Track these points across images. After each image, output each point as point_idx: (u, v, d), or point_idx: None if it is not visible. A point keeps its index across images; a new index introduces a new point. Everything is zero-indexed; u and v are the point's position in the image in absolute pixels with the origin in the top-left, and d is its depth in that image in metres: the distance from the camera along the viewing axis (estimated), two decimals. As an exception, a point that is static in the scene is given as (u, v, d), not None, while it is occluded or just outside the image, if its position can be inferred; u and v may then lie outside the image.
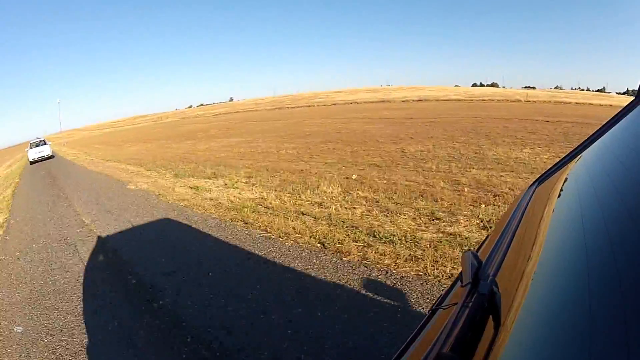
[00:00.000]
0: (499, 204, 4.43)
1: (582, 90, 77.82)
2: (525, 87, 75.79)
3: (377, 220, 4.21)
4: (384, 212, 4.51)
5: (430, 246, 3.33)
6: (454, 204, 4.58)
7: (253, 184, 6.60)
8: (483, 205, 4.43)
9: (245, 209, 4.93)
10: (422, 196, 5.00)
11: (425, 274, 2.82)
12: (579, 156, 1.03)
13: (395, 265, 3.02)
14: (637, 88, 0.98)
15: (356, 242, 3.59)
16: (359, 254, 3.31)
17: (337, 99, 55.17)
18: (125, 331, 2.51)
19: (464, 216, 4.13)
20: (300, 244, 3.64)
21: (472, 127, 13.15)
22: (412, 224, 4.08)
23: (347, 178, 6.47)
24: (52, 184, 9.92)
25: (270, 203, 5.22)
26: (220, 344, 2.27)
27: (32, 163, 18.45)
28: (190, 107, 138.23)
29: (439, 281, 2.70)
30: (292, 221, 4.34)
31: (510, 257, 0.72)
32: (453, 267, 2.86)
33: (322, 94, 76.54)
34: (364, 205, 4.81)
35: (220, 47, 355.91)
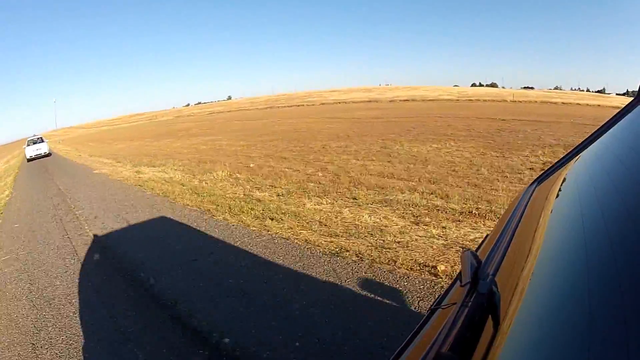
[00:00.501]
0: (331, 182, 6.15)
1: (582, 91, 77.78)
2: (524, 88, 75.97)
3: (218, 189, 6.41)
4: (234, 184, 6.64)
5: (224, 199, 5.57)
6: (292, 182, 6.33)
7: (177, 170, 9.07)
8: (311, 184, 6.10)
9: (151, 182, 7.69)
10: (279, 177, 6.79)
11: (196, 207, 5.33)
12: (579, 155, 1.03)
13: (181, 199, 5.81)
14: (637, 89, 0.97)
15: (180, 194, 6.18)
16: (175, 198, 6.00)
17: (330, 98, 55.45)
18: (55, 207, 6.53)
19: (281, 189, 5.90)
20: (155, 194, 6.47)
21: (416, 125, 14.57)
22: (238, 190, 6.15)
23: (246, 166, 8.44)
24: (44, 171, 12.85)
25: (171, 179, 7.80)
26: (88, 215, 5.65)
27: (29, 160, 18.48)
28: (187, 105, 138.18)
29: (201, 210, 5.17)
30: (167, 187, 6.99)
31: (509, 256, 0.71)
32: (219, 203, 5.33)
33: (316, 93, 76.22)
34: (228, 182, 6.94)
35: (220, 45, 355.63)
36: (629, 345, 0.31)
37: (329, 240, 3.63)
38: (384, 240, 3.53)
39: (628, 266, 0.40)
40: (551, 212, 0.78)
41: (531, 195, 1.05)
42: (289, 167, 7.91)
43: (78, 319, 2.72)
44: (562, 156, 1.17)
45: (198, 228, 4.40)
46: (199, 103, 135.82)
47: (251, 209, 4.91)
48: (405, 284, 2.72)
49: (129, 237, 4.46)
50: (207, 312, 2.61)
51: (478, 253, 0.76)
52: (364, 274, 2.91)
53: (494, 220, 4.15)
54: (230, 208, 5.02)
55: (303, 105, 48.54)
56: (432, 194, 5.05)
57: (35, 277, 3.61)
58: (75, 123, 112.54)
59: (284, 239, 3.77)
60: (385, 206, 4.64)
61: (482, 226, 3.82)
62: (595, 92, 73.64)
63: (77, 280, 3.39)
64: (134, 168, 10.11)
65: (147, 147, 16.86)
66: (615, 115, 1.02)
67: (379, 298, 2.58)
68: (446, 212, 4.35)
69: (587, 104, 28.00)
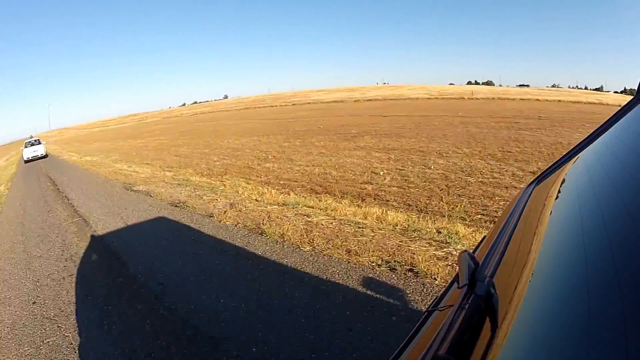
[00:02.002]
0: (142, 157, 14.17)
1: (580, 88, 78.75)
2: (520, 85, 78.50)
3: (99, 162, 13.72)
4: (111, 161, 13.42)
5: (93, 163, 13.46)
6: (135, 159, 13.40)
7: (99, 156, 15.63)
8: (136, 158, 13.80)
9: (81, 161, 15.16)
10: (133, 157, 14.12)
11: (78, 165, 14.07)
12: (577, 155, 1.02)
13: (80, 164, 14.10)
14: (636, 87, 0.96)
15: (81, 163, 14.28)
16: (79, 164, 14.30)
17: (312, 98, 58.54)
18: (35, 176, 13.02)
19: (122, 160, 13.52)
20: (75, 164, 14.61)
21: (297, 125, 20.61)
22: (105, 162, 13.15)
23: (132, 154, 15.50)
24: (36, 163, 19.32)
25: (90, 159, 14.88)
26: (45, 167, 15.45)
27: (26, 162, 18.78)
28: (184, 104, 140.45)
29: (80, 164, 14.14)
30: (83, 161, 14.70)
31: (507, 258, 0.71)
32: (87, 163, 14.11)
33: (302, 92, 79.74)
34: (111, 160, 13.77)
35: (219, 44, 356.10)
36: (628, 349, 0.30)
37: (96, 167, 12.11)
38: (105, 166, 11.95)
39: (628, 268, 0.40)
40: (550, 213, 0.77)
41: (529, 195, 1.05)
42: (147, 154, 15.01)
43: (33, 176, 12.75)
44: (561, 156, 1.16)
45: (71, 166, 13.65)
46: (195, 102, 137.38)
47: (94, 164, 12.74)
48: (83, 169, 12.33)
49: (55, 171, 12.93)
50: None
51: (475, 255, 0.76)
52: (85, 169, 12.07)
53: (140, 164, 11.74)
54: (89, 164, 12.88)
55: (276, 105, 52.22)
56: (158, 159, 12.83)
57: (27, 177, 13.05)
58: (72, 124, 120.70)
59: (85, 168, 12.33)
60: (143, 165, 11.49)
61: (136, 166, 11.23)
62: (593, 89, 74.71)
63: (36, 175, 12.83)
64: (81, 157, 17.26)
65: (109, 146, 22.82)
66: (614, 115, 1.01)
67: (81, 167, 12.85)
68: (133, 162, 12.09)
69: (547, 100, 31.98)
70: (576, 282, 0.46)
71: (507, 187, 5.82)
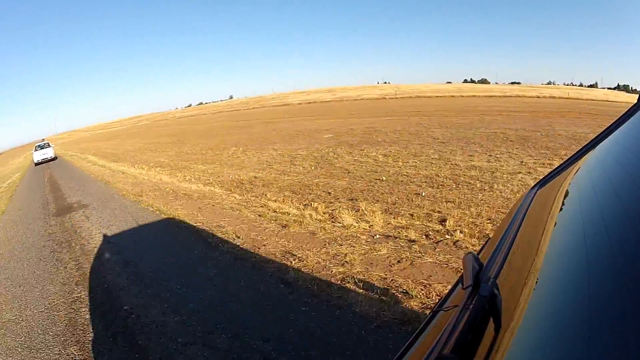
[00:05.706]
0: (78, 149, 28.22)
1: (575, 85, 79.18)
2: (512, 83, 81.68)
3: (68, 154, 24.42)
4: (76, 154, 22.95)
5: (70, 156, 22.57)
6: (80, 151, 24.86)
7: (68, 151, 27.11)
8: (90, 151, 23.87)
9: (62, 153, 24.71)
10: (82, 150, 25.98)
11: (60, 154, 24.38)
12: (580, 160, 1.02)
13: (64, 155, 24.16)
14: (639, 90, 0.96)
15: (63, 155, 23.11)
16: (62, 156, 22.83)
17: (291, 99, 62.64)
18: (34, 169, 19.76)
19: (86, 152, 23.04)
20: (59, 155, 22.99)
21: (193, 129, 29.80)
22: (71, 153, 24.15)
23: (87, 149, 25.25)
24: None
25: (65, 153, 25.14)
26: None
27: (37, 164, 19.79)
28: (189, 105, 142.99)
29: (62, 155, 24.82)
30: (64, 154, 24.27)
31: (511, 260, 0.71)
32: (64, 154, 25.08)
33: (283, 95, 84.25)
34: (73, 152, 25.37)
35: (225, 46, 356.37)
36: (629, 350, 0.31)
37: (63, 155, 23.17)
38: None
39: (629, 271, 0.41)
40: (552, 216, 0.78)
41: (532, 199, 1.05)
42: (88, 149, 24.12)
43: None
44: (562, 161, 1.16)
45: (57, 157, 21.64)
46: (201, 103, 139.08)
47: (63, 154, 23.67)
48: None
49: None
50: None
51: (480, 256, 0.76)
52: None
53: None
54: (62, 154, 23.35)
55: (240, 110, 57.78)
56: (88, 150, 23.63)
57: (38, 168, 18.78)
58: (81, 126, 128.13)
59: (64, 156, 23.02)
60: (77, 152, 24.27)
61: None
62: (588, 86, 75.32)
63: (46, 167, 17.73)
64: (63, 151, 25.03)
65: (88, 146, 30.12)
66: (618, 119, 1.01)
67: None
68: (76, 151, 25.44)
69: (485, 96, 36.36)
70: (578, 284, 0.47)
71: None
